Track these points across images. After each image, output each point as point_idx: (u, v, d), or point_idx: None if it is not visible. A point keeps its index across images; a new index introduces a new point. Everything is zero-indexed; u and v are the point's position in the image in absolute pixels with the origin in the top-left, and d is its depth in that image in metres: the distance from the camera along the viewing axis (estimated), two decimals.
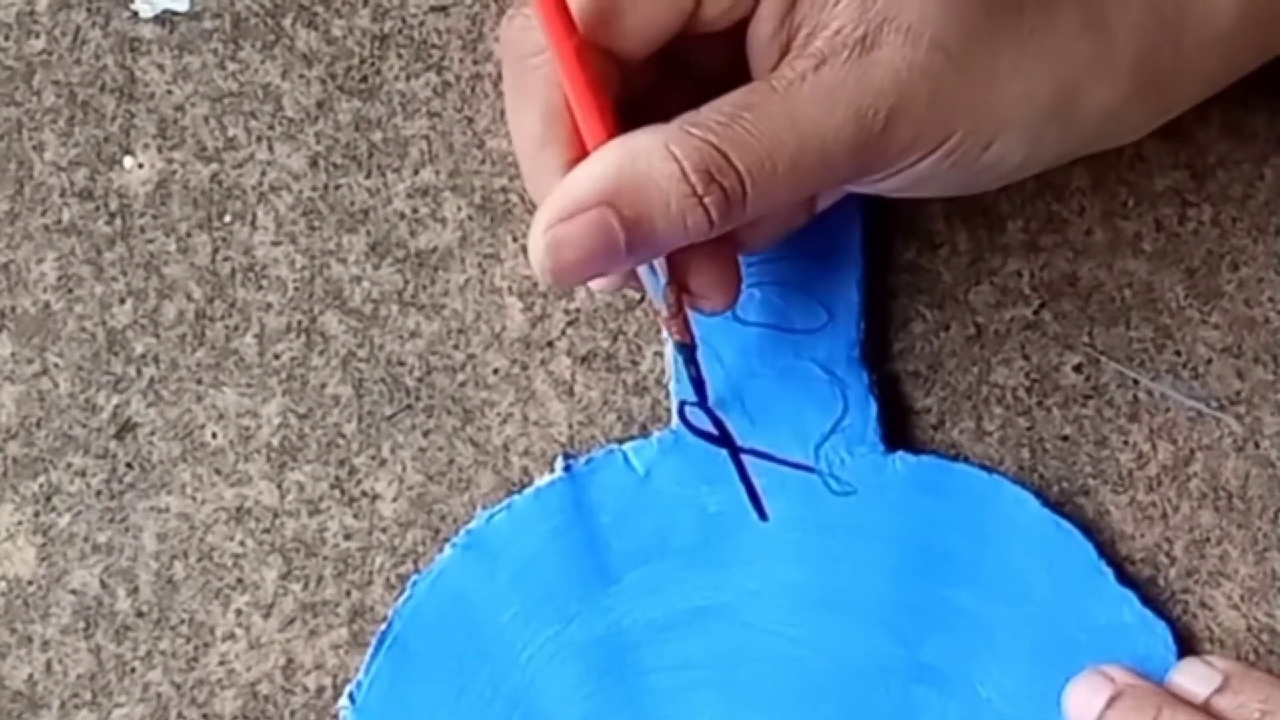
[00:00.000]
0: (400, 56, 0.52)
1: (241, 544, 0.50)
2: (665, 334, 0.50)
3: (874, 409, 0.49)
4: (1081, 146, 0.45)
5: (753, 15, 0.43)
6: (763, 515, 0.49)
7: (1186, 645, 0.49)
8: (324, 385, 0.51)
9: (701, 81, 0.44)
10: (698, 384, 0.49)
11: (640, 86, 0.44)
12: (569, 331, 0.51)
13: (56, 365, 0.51)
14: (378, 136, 0.52)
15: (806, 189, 0.43)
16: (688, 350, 0.48)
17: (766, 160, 0.41)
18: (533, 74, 0.43)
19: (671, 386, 0.50)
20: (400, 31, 0.52)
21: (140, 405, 0.51)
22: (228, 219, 0.52)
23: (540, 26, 0.42)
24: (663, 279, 0.45)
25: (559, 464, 0.50)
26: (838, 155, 0.42)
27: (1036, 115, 0.43)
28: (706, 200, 0.41)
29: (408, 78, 0.52)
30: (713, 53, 0.44)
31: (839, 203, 0.48)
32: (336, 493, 0.51)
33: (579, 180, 0.42)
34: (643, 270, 0.44)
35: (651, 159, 0.41)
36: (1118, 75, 0.43)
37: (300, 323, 0.51)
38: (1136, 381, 0.50)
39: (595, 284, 0.45)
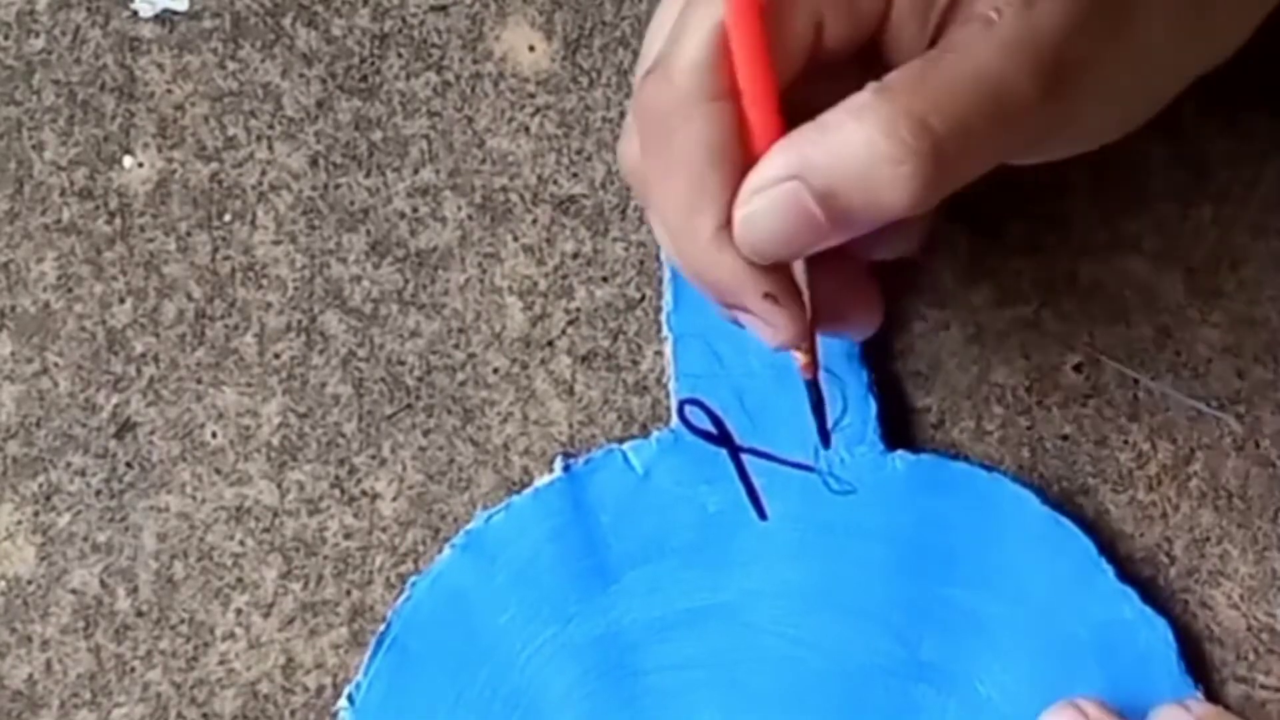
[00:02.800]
0: (400, 56, 0.52)
1: (241, 543, 0.50)
2: (665, 331, 0.50)
3: (873, 408, 0.49)
4: (1216, 55, 0.45)
5: (884, 26, 0.41)
6: (762, 515, 0.49)
7: (1186, 644, 0.49)
8: (324, 385, 0.51)
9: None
10: (819, 410, 0.48)
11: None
12: (569, 331, 0.51)
13: (56, 365, 0.51)
14: (378, 136, 0.52)
15: (993, 154, 0.41)
16: (814, 381, 0.47)
17: (962, 117, 0.40)
18: (673, 136, 0.41)
19: (671, 386, 0.50)
20: (400, 31, 0.52)
21: (140, 405, 0.51)
22: (228, 218, 0.52)
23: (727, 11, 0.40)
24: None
25: (558, 464, 0.50)
26: (1025, 109, 0.40)
27: (1182, 34, 0.43)
28: (904, 168, 0.40)
29: (408, 77, 0.52)
30: (831, 93, 0.42)
31: None
32: (336, 492, 0.51)
33: (770, 155, 0.41)
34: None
35: (842, 128, 0.40)
36: None
37: (300, 322, 0.51)
38: (1136, 381, 0.50)
39: (766, 333, 0.44)
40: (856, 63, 0.42)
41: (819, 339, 0.46)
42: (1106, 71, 0.42)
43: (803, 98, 0.42)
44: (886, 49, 0.42)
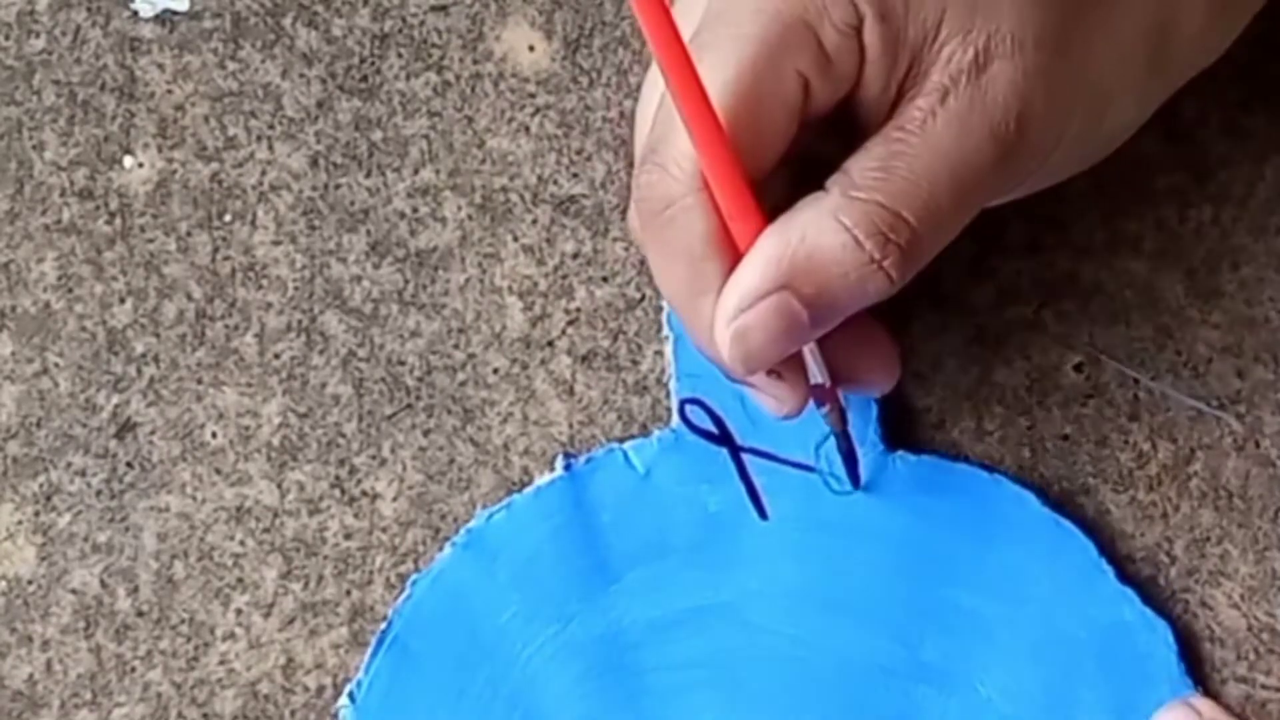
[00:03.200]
0: (400, 56, 0.52)
1: (241, 543, 0.50)
2: (665, 331, 0.50)
3: (874, 409, 0.49)
4: (1178, 81, 0.46)
5: (857, 85, 0.42)
6: (763, 514, 0.49)
7: (1187, 644, 0.49)
8: (324, 385, 0.51)
9: (804, 168, 0.44)
10: (850, 459, 0.49)
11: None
12: (569, 331, 0.51)
13: (56, 365, 0.51)
14: (378, 136, 0.52)
15: (965, 220, 0.43)
16: (843, 432, 0.48)
17: (931, 203, 0.42)
18: (670, 226, 0.42)
19: (671, 386, 0.50)
20: (400, 31, 0.52)
21: (140, 405, 0.51)
22: (228, 218, 0.52)
23: (680, 113, 0.41)
24: (821, 373, 0.45)
25: (559, 463, 0.50)
26: (986, 176, 0.42)
27: (1137, 71, 0.44)
28: (885, 263, 0.41)
29: (408, 77, 0.52)
30: (811, 139, 0.44)
31: None
32: (336, 492, 0.51)
33: (753, 268, 0.42)
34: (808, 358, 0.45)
35: (821, 233, 0.41)
36: (1194, 6, 0.44)
37: (300, 322, 0.51)
38: (1137, 381, 0.50)
39: (773, 406, 0.46)
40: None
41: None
42: (1060, 119, 0.43)
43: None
44: (857, 102, 0.43)
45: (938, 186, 0.42)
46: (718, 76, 0.41)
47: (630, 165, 0.51)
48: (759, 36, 0.41)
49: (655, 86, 0.44)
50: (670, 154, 0.42)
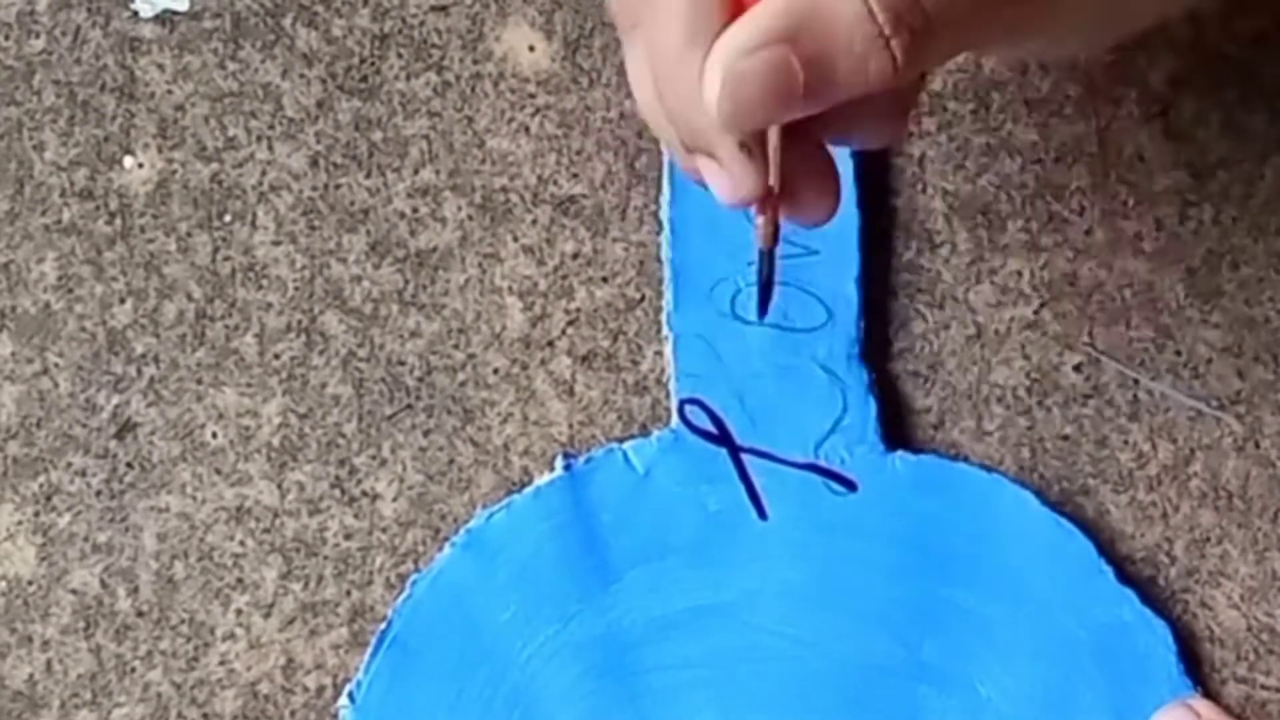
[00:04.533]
0: (400, 56, 0.52)
1: (241, 544, 0.50)
2: (665, 331, 0.50)
3: (874, 408, 0.49)
4: None
5: None
6: (762, 514, 0.49)
7: (1186, 644, 0.49)
8: (324, 385, 0.51)
9: None
10: (767, 286, 0.46)
11: None
12: (569, 331, 0.51)
13: (56, 365, 0.51)
14: (378, 136, 0.52)
15: (980, 37, 0.42)
16: (769, 251, 0.45)
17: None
18: None
19: (671, 386, 0.50)
20: (400, 31, 0.52)
21: (140, 405, 0.51)
22: (228, 219, 0.52)
23: None
24: (773, 176, 0.43)
25: (559, 463, 0.50)
26: None
27: None
28: (893, 42, 0.40)
29: (408, 78, 0.52)
30: None
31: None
32: (336, 492, 0.51)
33: (760, 14, 0.40)
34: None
35: (834, 4, 0.40)
36: None
37: (300, 322, 0.51)
38: (1136, 381, 0.50)
39: (724, 188, 0.43)
40: None
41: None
42: None
43: None
44: None
45: None
46: None
47: (629, 163, 0.51)
48: None
49: None
50: None
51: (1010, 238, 0.51)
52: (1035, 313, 0.51)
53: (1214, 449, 0.50)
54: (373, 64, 0.52)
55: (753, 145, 0.42)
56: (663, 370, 0.51)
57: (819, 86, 0.40)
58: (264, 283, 0.51)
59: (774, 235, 0.44)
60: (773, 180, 0.43)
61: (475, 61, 0.52)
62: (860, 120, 0.43)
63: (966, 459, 0.50)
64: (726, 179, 0.43)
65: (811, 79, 0.40)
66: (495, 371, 0.51)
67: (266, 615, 0.50)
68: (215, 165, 0.52)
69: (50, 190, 0.52)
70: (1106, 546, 0.49)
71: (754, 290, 0.47)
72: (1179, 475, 0.50)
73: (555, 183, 0.51)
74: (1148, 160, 0.51)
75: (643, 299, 0.51)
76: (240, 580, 0.50)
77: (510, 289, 0.51)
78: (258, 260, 0.51)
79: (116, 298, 0.51)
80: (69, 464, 0.51)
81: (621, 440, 0.50)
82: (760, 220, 0.43)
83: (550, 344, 0.51)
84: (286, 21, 0.52)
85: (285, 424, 0.51)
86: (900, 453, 0.50)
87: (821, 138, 0.43)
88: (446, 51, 0.52)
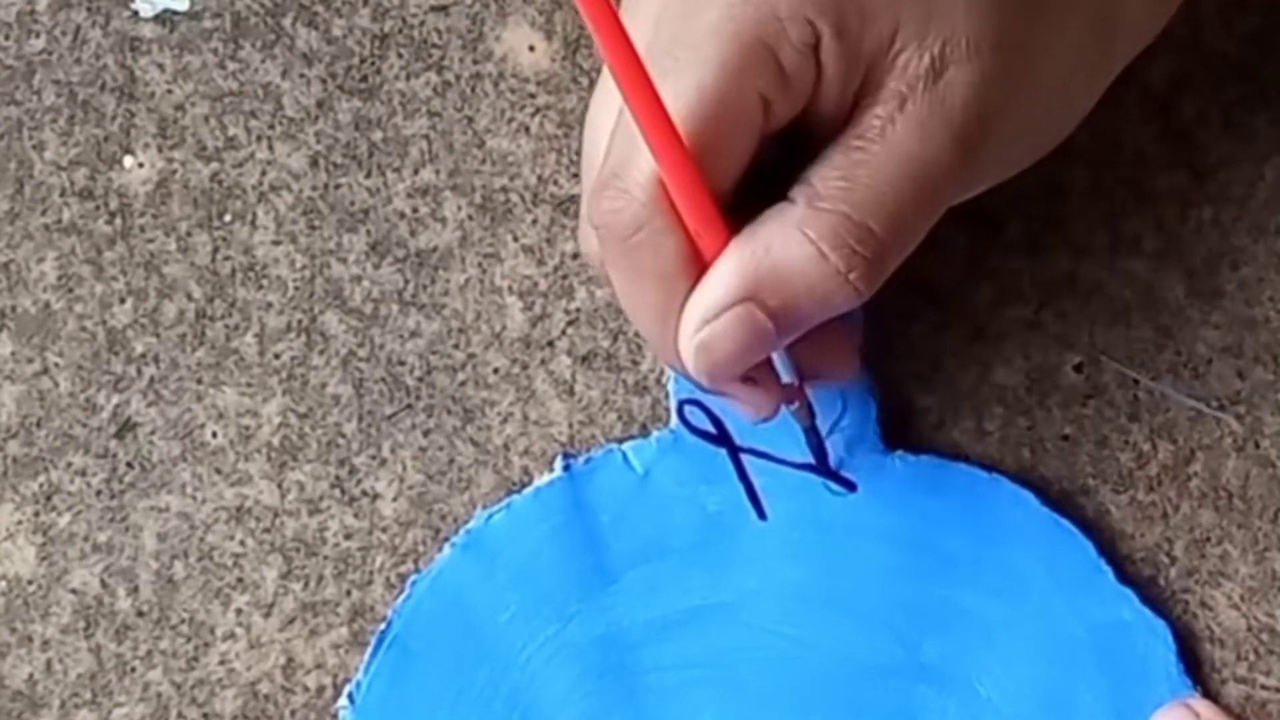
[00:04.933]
0: (400, 56, 0.52)
1: (241, 544, 0.50)
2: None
3: (873, 408, 0.49)
4: (1122, 63, 0.46)
5: (813, 99, 0.42)
6: (762, 515, 0.49)
7: (1186, 644, 0.49)
8: (324, 385, 0.51)
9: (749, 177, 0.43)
10: (820, 453, 0.49)
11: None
12: (569, 331, 0.51)
13: (56, 365, 0.51)
14: (378, 136, 0.52)
15: (929, 224, 0.43)
16: (812, 427, 0.48)
17: (896, 211, 0.42)
18: (638, 251, 0.42)
19: (670, 386, 0.50)
20: (400, 31, 0.52)
21: (140, 405, 0.51)
22: (228, 218, 0.52)
23: (644, 136, 0.40)
24: (789, 373, 0.45)
25: (559, 463, 0.50)
26: (948, 179, 0.42)
27: (1087, 61, 0.44)
28: (852, 275, 0.42)
29: (408, 77, 0.52)
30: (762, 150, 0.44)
31: None
32: (336, 492, 0.51)
33: (718, 281, 0.42)
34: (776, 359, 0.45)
35: (787, 246, 0.41)
36: None
37: (300, 322, 0.51)
38: (1137, 381, 0.50)
39: (749, 411, 0.46)
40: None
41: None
42: (1019, 115, 0.43)
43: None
44: (807, 117, 0.43)
45: (901, 193, 0.42)
46: (680, 102, 0.41)
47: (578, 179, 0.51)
48: (719, 60, 0.41)
49: (605, 107, 0.44)
50: (634, 178, 0.42)
51: (1010, 238, 0.51)
52: (1035, 313, 0.51)
53: (1214, 449, 0.50)
54: (373, 64, 0.52)
55: (755, 374, 0.45)
56: (663, 370, 0.51)
57: (788, 328, 0.42)
58: (264, 283, 0.51)
59: (810, 414, 0.48)
60: (789, 378, 0.46)
61: (475, 61, 0.52)
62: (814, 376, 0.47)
63: (966, 459, 0.50)
64: (745, 407, 0.46)
65: (780, 324, 0.42)
66: (495, 371, 0.51)
67: (266, 615, 0.50)
68: (215, 165, 0.52)
69: (50, 190, 0.52)
70: (1106, 546, 0.49)
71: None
72: (1179, 475, 0.50)
73: (555, 183, 0.51)
74: (1148, 160, 0.51)
75: None
76: (240, 580, 0.50)
77: (510, 289, 0.51)
78: (258, 260, 0.51)
79: (116, 298, 0.51)
80: (69, 464, 0.51)
81: (621, 440, 0.50)
82: (793, 409, 0.47)
83: (550, 344, 0.51)
84: (286, 21, 0.52)
85: (285, 424, 0.51)
86: (900, 453, 0.50)
87: None
88: (446, 51, 0.52)
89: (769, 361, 0.45)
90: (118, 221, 0.52)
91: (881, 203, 0.41)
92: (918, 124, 0.42)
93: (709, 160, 0.41)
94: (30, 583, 0.51)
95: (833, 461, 0.49)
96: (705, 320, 0.42)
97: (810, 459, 0.49)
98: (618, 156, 0.42)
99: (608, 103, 0.44)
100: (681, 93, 0.41)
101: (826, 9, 0.41)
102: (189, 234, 0.52)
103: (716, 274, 0.42)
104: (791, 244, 0.41)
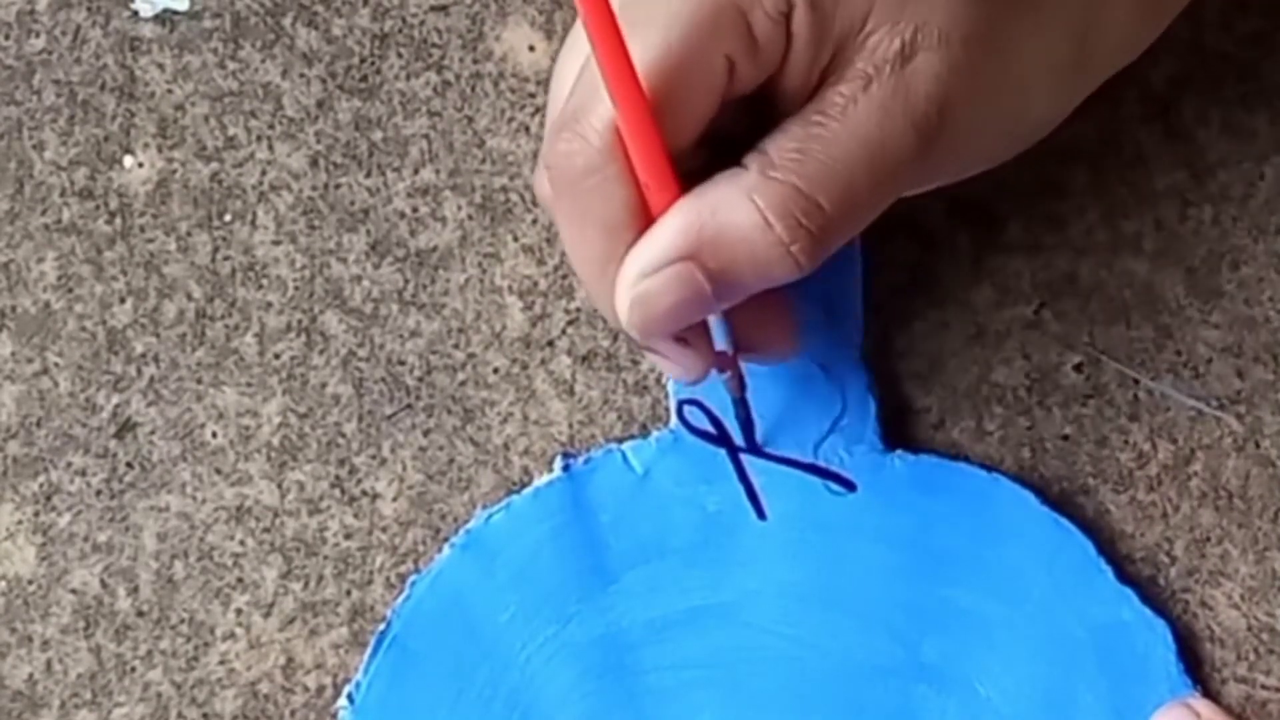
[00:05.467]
0: (400, 56, 0.52)
1: (241, 543, 0.50)
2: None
3: (873, 408, 0.49)
4: (1099, 79, 0.46)
5: (780, 69, 0.42)
6: (761, 515, 0.49)
7: (1186, 644, 0.49)
8: (324, 385, 0.51)
9: (714, 143, 0.43)
10: (747, 426, 0.49)
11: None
12: (569, 331, 0.51)
13: (56, 365, 0.51)
14: (378, 136, 0.52)
15: (879, 209, 0.43)
16: (741, 399, 0.48)
17: (847, 189, 0.42)
18: (587, 196, 0.42)
19: (671, 386, 0.50)
20: (400, 31, 0.52)
21: (140, 405, 0.51)
22: (228, 218, 0.52)
23: (606, 84, 0.41)
24: (724, 340, 0.45)
25: (558, 463, 0.50)
26: (904, 165, 0.42)
27: (1061, 70, 0.44)
28: (794, 247, 0.42)
29: (408, 77, 0.52)
30: (726, 116, 0.44)
31: None
32: (336, 492, 0.51)
33: (661, 236, 0.42)
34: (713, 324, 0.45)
35: (733, 210, 0.41)
36: (1120, 7, 0.44)
37: (300, 322, 0.51)
38: (1137, 381, 0.50)
39: (675, 373, 0.46)
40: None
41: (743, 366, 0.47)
42: (980, 112, 0.43)
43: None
44: (780, 85, 0.43)
45: (855, 173, 0.42)
46: (646, 54, 0.41)
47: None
48: (690, 17, 0.41)
49: (575, 53, 0.44)
50: (591, 123, 0.42)
51: (1010, 238, 0.51)
52: (1035, 313, 0.51)
53: (1214, 449, 0.50)
54: (373, 64, 0.52)
55: (688, 335, 0.45)
56: (662, 371, 0.51)
57: (726, 292, 0.42)
58: (264, 282, 0.51)
59: (741, 384, 0.47)
60: (723, 346, 0.45)
61: (475, 61, 0.52)
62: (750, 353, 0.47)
63: (966, 459, 0.50)
64: (674, 367, 0.46)
65: (717, 287, 0.42)
66: (495, 371, 0.51)
67: (266, 615, 0.50)
68: (215, 165, 0.52)
69: (50, 190, 0.52)
70: (1106, 546, 0.49)
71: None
72: (1179, 475, 0.50)
73: None
74: (1148, 160, 0.51)
75: None
76: (240, 580, 0.50)
77: (510, 289, 0.51)
78: (258, 260, 0.51)
79: (116, 297, 0.51)
80: (69, 464, 0.51)
81: (621, 440, 0.50)
82: (724, 378, 0.47)
83: (550, 344, 0.51)
84: (286, 21, 0.52)
85: (285, 424, 0.51)
86: (900, 452, 0.50)
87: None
88: (446, 51, 0.52)
89: (704, 325, 0.45)
90: (118, 221, 0.52)
91: (834, 179, 0.41)
92: (879, 106, 0.42)
93: (668, 115, 0.41)
94: (30, 583, 0.51)
95: (831, 453, 0.49)
96: (643, 274, 0.42)
97: (811, 461, 0.49)
98: (578, 101, 0.42)
99: (577, 50, 0.44)
100: (649, 46, 0.41)
101: None
102: (189, 234, 0.52)
103: (660, 229, 0.42)
104: (738, 209, 0.41)
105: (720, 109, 0.42)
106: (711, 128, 0.43)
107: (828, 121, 0.42)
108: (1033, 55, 0.43)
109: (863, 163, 0.42)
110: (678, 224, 0.42)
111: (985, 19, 0.42)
